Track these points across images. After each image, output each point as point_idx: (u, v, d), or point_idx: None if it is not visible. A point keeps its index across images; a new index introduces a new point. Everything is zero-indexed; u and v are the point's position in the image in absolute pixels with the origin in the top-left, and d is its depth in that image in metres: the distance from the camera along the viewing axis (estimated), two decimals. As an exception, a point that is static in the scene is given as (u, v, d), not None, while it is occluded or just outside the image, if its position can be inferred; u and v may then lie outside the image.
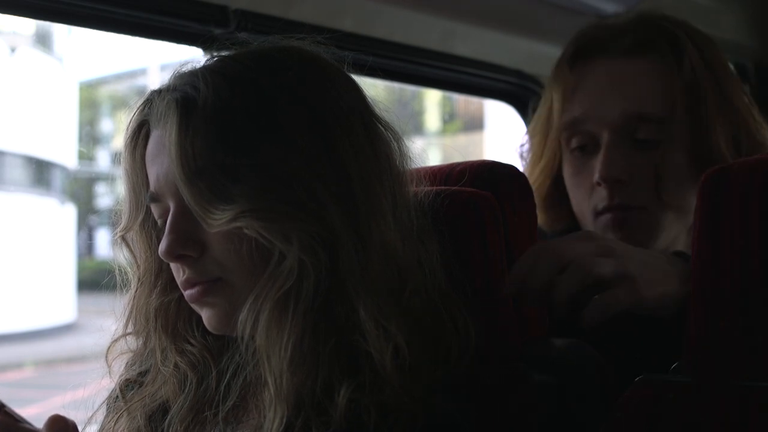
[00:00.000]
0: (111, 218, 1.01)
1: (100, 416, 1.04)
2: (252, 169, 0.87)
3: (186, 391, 0.97)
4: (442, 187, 1.07)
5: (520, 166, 1.17)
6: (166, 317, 0.99)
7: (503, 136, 2.49)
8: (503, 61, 2.04)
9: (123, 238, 0.99)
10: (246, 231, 0.86)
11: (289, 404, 0.84)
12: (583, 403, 1.02)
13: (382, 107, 0.99)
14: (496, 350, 1.03)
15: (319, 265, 0.85)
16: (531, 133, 1.45)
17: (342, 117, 0.92)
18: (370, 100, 0.99)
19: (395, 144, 0.97)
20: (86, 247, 8.66)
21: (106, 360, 1.02)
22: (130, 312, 1.00)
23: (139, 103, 0.95)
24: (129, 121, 0.96)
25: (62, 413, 1.00)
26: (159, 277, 0.99)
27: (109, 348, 1.02)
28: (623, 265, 0.96)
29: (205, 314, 0.93)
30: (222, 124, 0.88)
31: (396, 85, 2.33)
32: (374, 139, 0.94)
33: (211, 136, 0.87)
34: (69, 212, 8.66)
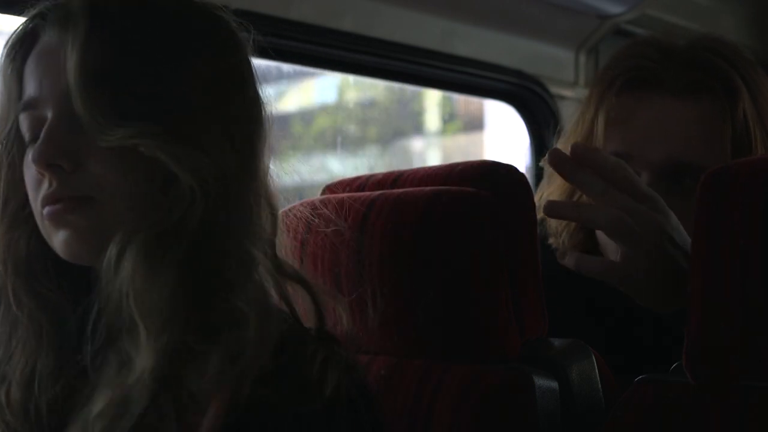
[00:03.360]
0: None
1: None
2: (159, 88, 0.84)
3: (46, 345, 0.90)
4: (442, 187, 1.07)
5: (521, 167, 1.15)
6: (16, 252, 0.91)
7: (503, 136, 2.48)
8: (503, 61, 2.04)
9: None
10: (142, 149, 0.82)
11: (161, 353, 0.79)
12: (583, 403, 1.02)
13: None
14: (495, 350, 1.03)
15: (209, 200, 0.82)
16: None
17: (243, 76, 0.91)
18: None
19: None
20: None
21: None
22: None
23: (32, 15, 0.90)
24: (17, 29, 0.90)
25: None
26: (7, 205, 0.91)
27: None
28: (650, 249, 1.03)
29: (62, 236, 0.85)
30: (137, 34, 0.85)
31: (396, 85, 2.34)
32: (258, 113, 0.92)
33: (121, 45, 0.84)
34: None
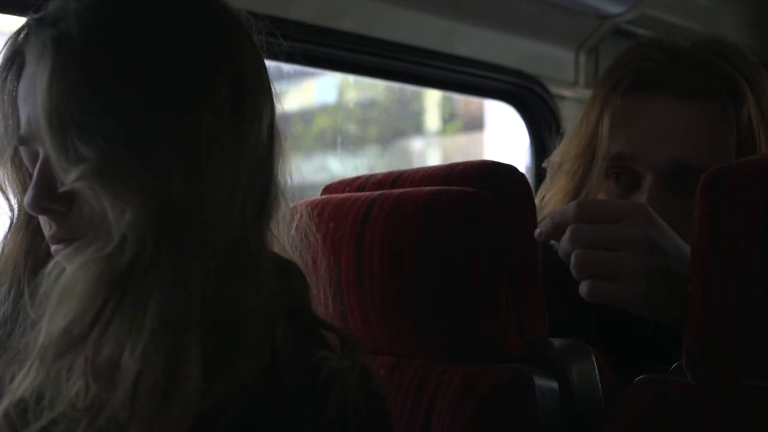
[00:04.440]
0: None
1: None
2: (107, 127, 0.79)
3: None
4: (442, 187, 1.07)
5: (521, 167, 1.14)
6: (36, 258, 0.92)
7: (503, 136, 2.48)
8: (503, 61, 2.05)
9: None
10: (87, 191, 0.79)
11: (44, 375, 0.78)
12: (583, 403, 1.02)
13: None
14: (495, 350, 1.03)
15: (141, 246, 0.78)
16: (563, 156, 1.36)
17: (211, 83, 0.84)
18: (254, 65, 0.89)
19: (264, 127, 0.88)
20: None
21: None
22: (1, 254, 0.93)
23: (17, 31, 0.87)
24: (3, 49, 0.87)
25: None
26: (32, 217, 0.91)
27: None
28: (637, 269, 0.98)
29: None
30: (91, 69, 0.80)
31: (396, 85, 2.34)
32: (241, 117, 0.85)
33: (77, 82, 0.80)
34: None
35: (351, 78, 2.33)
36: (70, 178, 0.79)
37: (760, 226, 0.85)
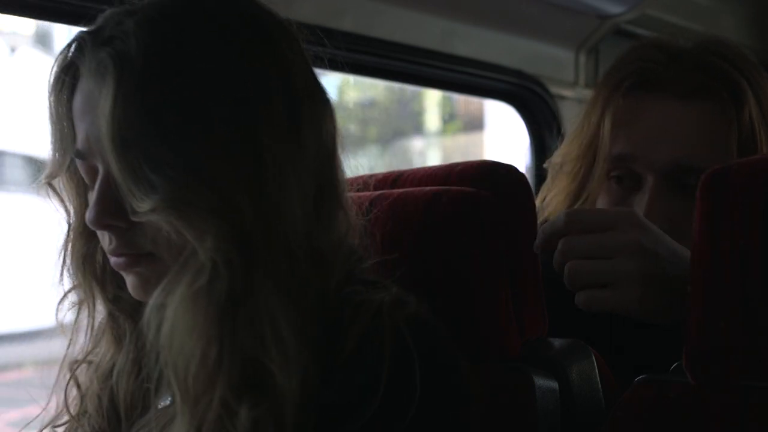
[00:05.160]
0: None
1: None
2: (176, 154, 0.80)
3: (127, 341, 0.92)
4: (442, 187, 1.07)
5: (521, 167, 1.14)
6: (93, 262, 0.94)
7: (503, 136, 2.48)
8: (503, 61, 2.04)
9: (50, 185, 0.92)
10: (164, 224, 0.80)
11: (194, 415, 0.79)
12: (583, 403, 1.02)
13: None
14: (495, 350, 1.03)
15: (232, 267, 0.79)
16: (564, 157, 1.36)
17: (266, 97, 0.84)
18: (301, 67, 0.90)
19: (325, 125, 0.90)
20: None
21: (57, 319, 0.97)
22: (63, 262, 0.95)
23: (68, 44, 0.87)
24: (56, 61, 0.88)
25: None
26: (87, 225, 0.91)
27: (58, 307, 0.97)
28: (631, 276, 0.99)
29: (131, 281, 0.87)
30: (152, 94, 0.80)
31: (396, 85, 2.34)
32: (298, 121, 0.86)
33: (140, 107, 0.80)
34: (69, 212, 8.62)
35: (351, 78, 2.33)
36: (143, 208, 0.80)
37: (760, 226, 0.85)
